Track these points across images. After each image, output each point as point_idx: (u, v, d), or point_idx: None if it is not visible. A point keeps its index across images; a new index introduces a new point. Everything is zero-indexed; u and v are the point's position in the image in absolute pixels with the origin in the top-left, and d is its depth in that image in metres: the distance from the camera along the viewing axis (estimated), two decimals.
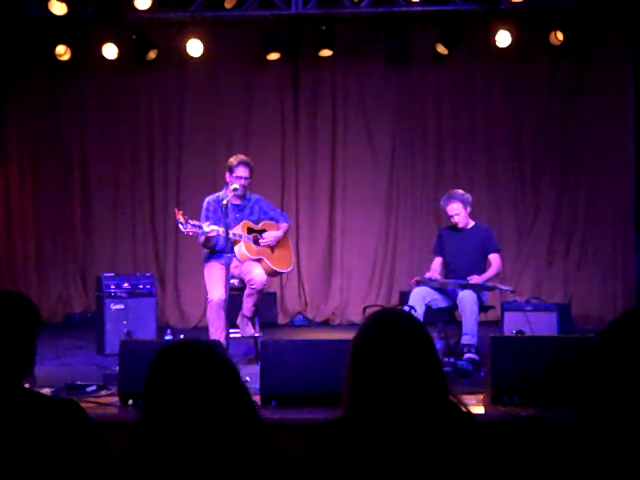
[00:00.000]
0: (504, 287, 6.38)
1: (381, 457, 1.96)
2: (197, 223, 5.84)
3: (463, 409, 2.08)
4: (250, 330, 6.15)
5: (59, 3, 7.82)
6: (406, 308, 6.15)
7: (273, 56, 8.45)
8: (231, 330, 5.84)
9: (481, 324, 6.33)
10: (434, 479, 1.96)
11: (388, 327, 2.08)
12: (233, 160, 6.10)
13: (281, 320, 8.79)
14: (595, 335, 1.86)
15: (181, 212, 5.79)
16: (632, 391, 1.80)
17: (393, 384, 2.01)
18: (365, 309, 6.51)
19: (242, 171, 6.06)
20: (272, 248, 6.26)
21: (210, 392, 1.83)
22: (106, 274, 7.23)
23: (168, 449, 1.80)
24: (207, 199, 6.24)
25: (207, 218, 6.09)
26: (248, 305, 6.07)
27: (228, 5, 8.13)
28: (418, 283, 6.40)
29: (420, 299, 6.27)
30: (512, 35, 8.16)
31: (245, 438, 1.83)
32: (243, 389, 1.90)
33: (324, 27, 8.22)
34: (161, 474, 1.80)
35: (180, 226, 5.77)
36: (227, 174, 6.14)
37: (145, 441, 1.83)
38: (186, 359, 1.87)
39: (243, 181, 6.06)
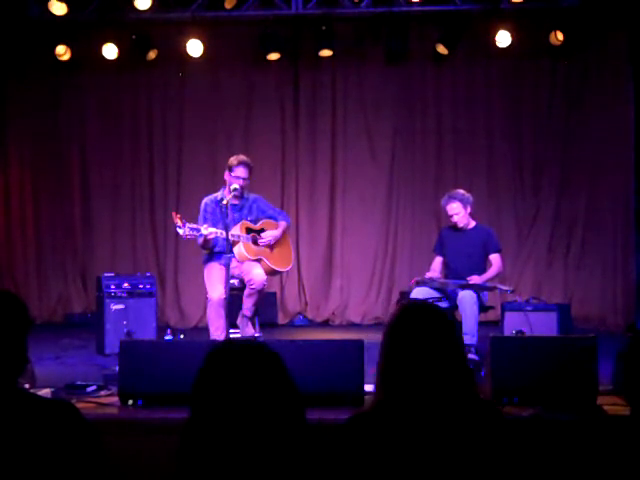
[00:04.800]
0: (504, 287, 6.37)
1: (411, 448, 1.98)
2: (195, 226, 5.84)
3: (492, 405, 2.11)
4: (250, 330, 6.15)
5: (59, 3, 7.82)
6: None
7: (273, 56, 8.45)
8: (231, 330, 5.84)
9: (481, 324, 6.33)
10: (462, 471, 1.98)
11: (418, 317, 2.13)
12: (233, 160, 6.11)
13: (281, 320, 8.79)
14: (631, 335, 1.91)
15: (179, 216, 5.79)
16: None
17: (424, 374, 2.05)
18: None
19: (241, 171, 6.07)
20: (271, 247, 6.26)
21: (261, 391, 1.81)
22: (106, 274, 7.22)
23: (216, 449, 1.78)
24: (204, 200, 6.23)
25: (205, 219, 6.09)
26: (248, 305, 6.07)
27: (228, 5, 8.13)
28: (418, 283, 6.40)
29: (420, 299, 6.27)
30: (512, 35, 8.15)
31: (292, 439, 1.82)
32: (294, 389, 1.89)
33: (324, 27, 8.22)
34: (208, 474, 1.78)
35: (178, 230, 5.77)
36: (226, 173, 6.15)
37: (194, 442, 1.81)
38: (240, 359, 1.85)
39: (242, 181, 6.06)
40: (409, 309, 2.19)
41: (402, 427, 2.01)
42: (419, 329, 2.10)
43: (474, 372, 2.22)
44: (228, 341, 1.96)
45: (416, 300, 5.96)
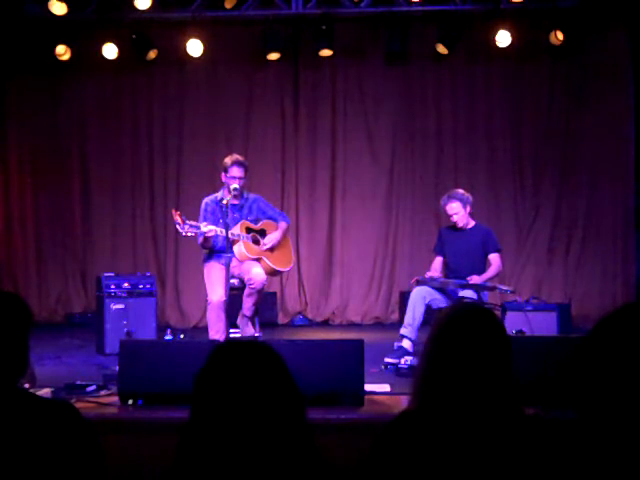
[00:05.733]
0: (504, 287, 6.37)
1: (450, 452, 1.93)
2: (195, 223, 5.84)
3: (529, 412, 2.07)
4: (250, 330, 6.15)
5: (59, 3, 7.82)
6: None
7: (273, 56, 8.45)
8: (231, 330, 5.84)
9: None
10: (499, 477, 1.94)
11: (470, 319, 2.04)
12: (228, 160, 6.11)
13: (281, 320, 8.79)
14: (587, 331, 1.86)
15: (178, 213, 5.80)
16: (623, 389, 1.78)
17: (469, 379, 1.97)
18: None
19: (236, 171, 6.06)
20: (272, 248, 6.27)
21: (264, 392, 1.80)
22: (106, 274, 7.22)
23: (217, 449, 1.78)
24: (205, 200, 6.24)
25: (205, 219, 6.09)
26: (248, 305, 6.07)
27: (228, 5, 8.13)
28: (418, 282, 6.40)
29: (420, 298, 6.27)
30: (512, 35, 8.15)
31: (293, 439, 1.81)
32: (295, 389, 1.89)
33: (324, 27, 8.22)
34: (208, 473, 1.78)
35: (178, 227, 5.78)
36: (222, 174, 6.15)
37: (194, 441, 1.81)
38: (242, 358, 1.84)
39: (238, 181, 6.05)
40: (459, 311, 2.10)
41: (440, 438, 1.93)
42: (473, 332, 2.00)
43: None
44: (230, 341, 1.96)
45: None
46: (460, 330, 2.02)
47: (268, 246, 6.19)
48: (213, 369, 1.84)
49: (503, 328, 2.08)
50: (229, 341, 1.96)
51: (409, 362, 5.60)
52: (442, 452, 1.93)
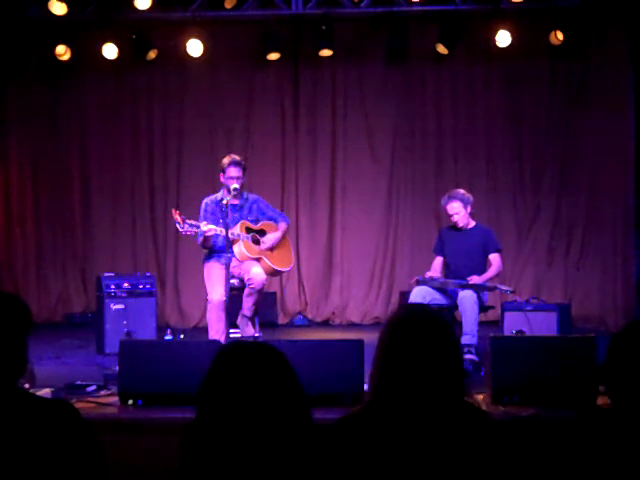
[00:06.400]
0: (504, 287, 6.37)
1: (397, 451, 1.97)
2: (195, 223, 5.85)
3: (479, 407, 2.09)
4: (250, 330, 6.15)
5: (59, 3, 7.81)
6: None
7: (273, 56, 8.45)
8: (231, 330, 5.84)
9: (481, 324, 6.33)
10: (448, 475, 1.97)
11: (416, 321, 2.10)
12: (225, 161, 6.10)
13: (281, 320, 8.79)
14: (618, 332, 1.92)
15: (178, 212, 5.80)
16: None
17: (418, 377, 2.02)
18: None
19: (234, 171, 6.05)
20: (272, 248, 6.26)
21: (271, 393, 1.81)
22: (106, 274, 7.23)
23: (223, 449, 1.78)
24: (205, 200, 6.24)
25: (205, 219, 6.08)
26: (248, 305, 6.07)
27: (228, 5, 8.13)
28: (418, 282, 6.40)
29: (420, 298, 6.27)
30: (512, 35, 8.15)
31: (298, 439, 1.81)
32: (301, 390, 1.88)
33: (324, 27, 8.21)
34: (213, 472, 1.77)
35: (178, 226, 5.78)
36: (221, 175, 6.15)
37: (200, 440, 1.80)
38: (249, 359, 1.84)
39: (236, 181, 6.04)
40: (408, 311, 2.17)
41: (391, 430, 1.99)
42: (418, 332, 2.07)
43: (467, 376, 2.18)
44: (237, 342, 1.96)
45: (415, 303, 5.96)
46: (404, 333, 2.08)
47: (267, 245, 6.19)
48: (220, 370, 1.84)
49: (450, 329, 2.13)
50: (236, 342, 1.96)
51: None
52: (387, 453, 1.96)
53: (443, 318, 2.17)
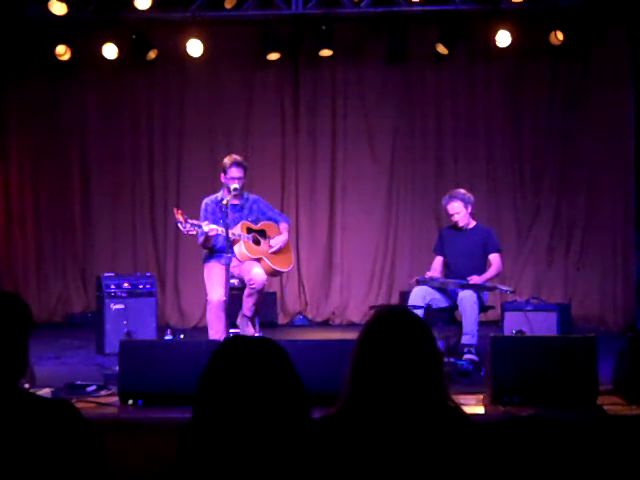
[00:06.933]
0: (504, 287, 6.37)
1: (374, 455, 1.96)
2: (196, 222, 5.85)
3: (459, 411, 2.08)
4: (250, 330, 6.15)
5: (59, 3, 7.82)
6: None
7: (273, 56, 8.45)
8: (231, 330, 5.84)
9: (481, 324, 6.33)
10: (424, 478, 1.96)
11: (393, 324, 2.10)
12: (227, 161, 6.10)
13: (281, 320, 8.79)
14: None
15: (180, 211, 5.80)
16: None
17: (394, 380, 2.02)
18: (371, 308, 6.52)
19: (235, 172, 6.05)
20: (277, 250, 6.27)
21: (270, 389, 1.80)
22: (106, 274, 7.23)
23: (221, 446, 1.77)
24: (205, 200, 6.23)
25: (205, 219, 6.08)
26: (248, 305, 6.07)
27: (228, 5, 8.13)
28: (418, 282, 6.40)
29: (420, 298, 6.27)
30: (512, 35, 8.15)
31: (297, 437, 1.81)
32: (301, 387, 1.88)
33: (324, 27, 8.22)
34: (209, 474, 1.77)
35: (179, 225, 5.78)
36: (222, 175, 6.14)
37: (198, 438, 1.80)
38: (248, 355, 1.84)
39: (237, 181, 6.04)
40: (384, 314, 2.16)
41: (366, 433, 1.99)
42: (393, 333, 2.07)
43: (446, 381, 2.16)
44: (236, 337, 1.95)
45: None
46: (381, 334, 2.08)
47: (275, 249, 6.19)
48: (219, 365, 1.84)
49: (427, 332, 2.12)
50: (236, 337, 1.95)
51: None
52: (362, 455, 1.96)
53: (420, 320, 2.16)
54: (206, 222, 5.92)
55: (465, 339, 6.09)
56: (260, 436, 1.76)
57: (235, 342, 1.89)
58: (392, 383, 2.02)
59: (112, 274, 7.27)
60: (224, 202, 5.71)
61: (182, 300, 8.99)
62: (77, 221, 9.12)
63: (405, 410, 2.00)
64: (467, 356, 5.92)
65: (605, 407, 4.32)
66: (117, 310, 6.99)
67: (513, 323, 6.58)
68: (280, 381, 1.82)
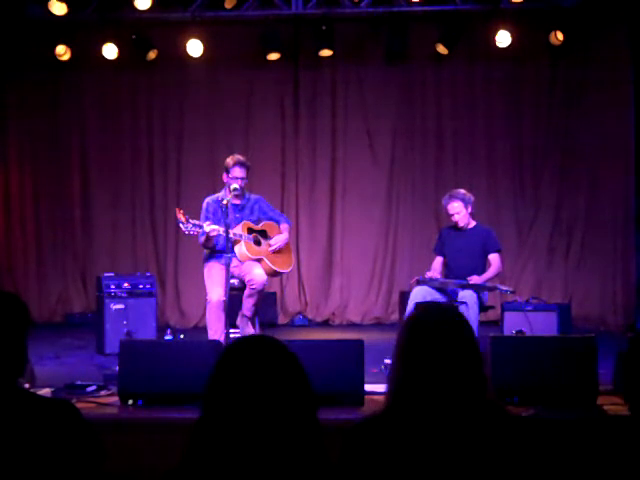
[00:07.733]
0: (504, 288, 6.37)
1: (422, 453, 1.94)
2: (198, 222, 5.85)
3: (499, 404, 2.07)
4: (250, 330, 6.15)
5: (59, 3, 7.81)
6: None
7: (273, 56, 8.45)
8: (231, 330, 5.83)
9: (481, 324, 6.33)
10: (472, 476, 1.94)
11: (435, 320, 2.06)
12: (229, 160, 6.10)
13: (281, 320, 8.79)
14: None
15: (182, 211, 5.80)
16: None
17: (439, 378, 1.99)
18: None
19: (238, 171, 6.05)
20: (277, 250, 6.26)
21: (279, 389, 1.80)
22: (106, 274, 7.23)
23: (230, 446, 1.77)
24: (206, 200, 6.23)
25: (207, 219, 6.08)
26: (248, 305, 6.07)
27: (228, 5, 8.13)
28: (418, 282, 6.40)
29: (420, 298, 6.26)
30: (512, 35, 8.15)
31: (304, 437, 1.80)
32: (309, 387, 1.88)
33: (324, 27, 8.21)
34: (217, 473, 1.77)
35: (181, 225, 5.78)
36: (224, 175, 6.14)
37: (205, 441, 1.80)
38: (257, 354, 1.84)
39: (239, 181, 6.04)
40: (425, 311, 2.12)
41: (415, 433, 1.96)
42: (437, 331, 2.03)
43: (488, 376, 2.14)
44: (245, 337, 1.95)
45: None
46: (425, 330, 2.05)
47: (274, 247, 6.19)
48: (227, 365, 1.84)
49: (467, 326, 2.09)
50: (245, 337, 1.95)
51: None
52: (412, 454, 1.94)
53: (460, 315, 2.12)
54: (207, 222, 5.92)
55: None
56: (270, 435, 1.76)
57: (243, 342, 1.89)
58: (438, 380, 1.99)
59: (112, 274, 7.27)
60: (224, 202, 5.71)
61: (182, 300, 8.99)
62: (77, 221, 9.12)
63: (452, 407, 1.98)
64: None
65: (605, 407, 4.33)
66: (117, 310, 6.99)
67: (513, 323, 6.59)
68: (291, 380, 1.82)
